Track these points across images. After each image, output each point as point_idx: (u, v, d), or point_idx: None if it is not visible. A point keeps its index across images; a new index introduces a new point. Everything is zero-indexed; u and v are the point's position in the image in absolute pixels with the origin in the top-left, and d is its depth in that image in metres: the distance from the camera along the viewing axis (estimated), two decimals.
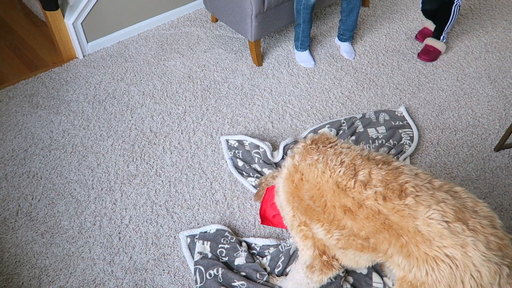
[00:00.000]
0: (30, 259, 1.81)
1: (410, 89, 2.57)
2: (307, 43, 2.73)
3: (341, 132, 2.29)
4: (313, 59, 2.77)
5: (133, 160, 2.18)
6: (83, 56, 2.78)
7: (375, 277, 1.69)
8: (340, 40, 2.84)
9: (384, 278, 1.69)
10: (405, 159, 2.15)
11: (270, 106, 2.47)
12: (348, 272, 1.70)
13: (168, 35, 2.95)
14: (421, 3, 2.84)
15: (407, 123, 2.34)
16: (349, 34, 2.77)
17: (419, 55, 2.79)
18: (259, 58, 2.72)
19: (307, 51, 2.77)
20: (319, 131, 2.29)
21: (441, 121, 2.38)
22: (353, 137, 2.26)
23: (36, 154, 2.20)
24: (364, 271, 1.71)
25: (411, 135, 2.27)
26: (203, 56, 2.80)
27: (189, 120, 2.39)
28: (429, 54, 2.76)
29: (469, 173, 2.12)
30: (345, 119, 2.35)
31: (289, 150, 2.18)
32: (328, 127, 2.29)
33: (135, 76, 2.66)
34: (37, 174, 2.12)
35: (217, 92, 2.56)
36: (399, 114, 2.38)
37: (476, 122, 2.37)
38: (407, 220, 1.05)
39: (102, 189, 2.06)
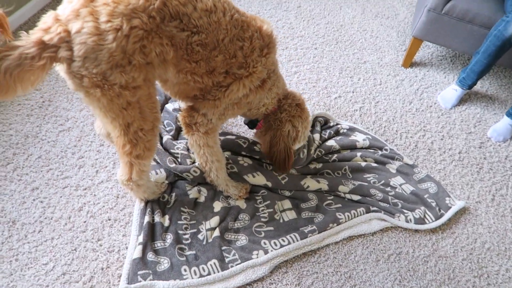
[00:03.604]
0: None
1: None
2: (469, 81, 2.13)
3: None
4: (457, 104, 2.20)
5: None
6: None
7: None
8: (507, 114, 2.07)
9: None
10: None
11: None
12: None
13: None
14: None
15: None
16: None
17: None
18: (409, 59, 2.38)
19: (461, 91, 2.18)
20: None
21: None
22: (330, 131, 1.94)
23: None
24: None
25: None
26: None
27: None
28: None
29: None
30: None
31: None
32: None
33: None
34: None
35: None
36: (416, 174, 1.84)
37: None
38: None
39: None
